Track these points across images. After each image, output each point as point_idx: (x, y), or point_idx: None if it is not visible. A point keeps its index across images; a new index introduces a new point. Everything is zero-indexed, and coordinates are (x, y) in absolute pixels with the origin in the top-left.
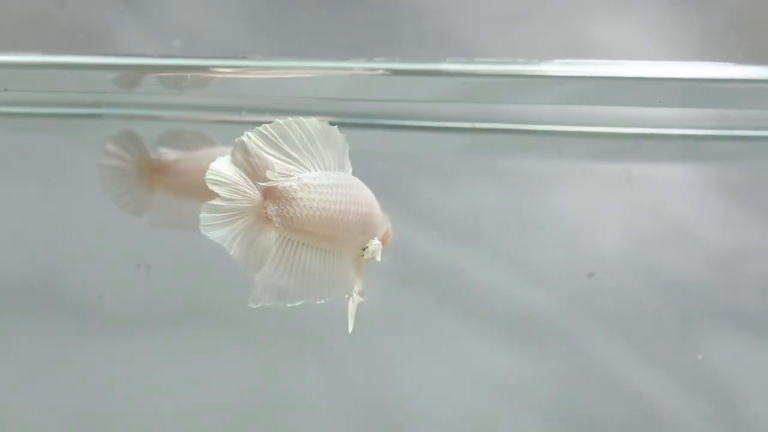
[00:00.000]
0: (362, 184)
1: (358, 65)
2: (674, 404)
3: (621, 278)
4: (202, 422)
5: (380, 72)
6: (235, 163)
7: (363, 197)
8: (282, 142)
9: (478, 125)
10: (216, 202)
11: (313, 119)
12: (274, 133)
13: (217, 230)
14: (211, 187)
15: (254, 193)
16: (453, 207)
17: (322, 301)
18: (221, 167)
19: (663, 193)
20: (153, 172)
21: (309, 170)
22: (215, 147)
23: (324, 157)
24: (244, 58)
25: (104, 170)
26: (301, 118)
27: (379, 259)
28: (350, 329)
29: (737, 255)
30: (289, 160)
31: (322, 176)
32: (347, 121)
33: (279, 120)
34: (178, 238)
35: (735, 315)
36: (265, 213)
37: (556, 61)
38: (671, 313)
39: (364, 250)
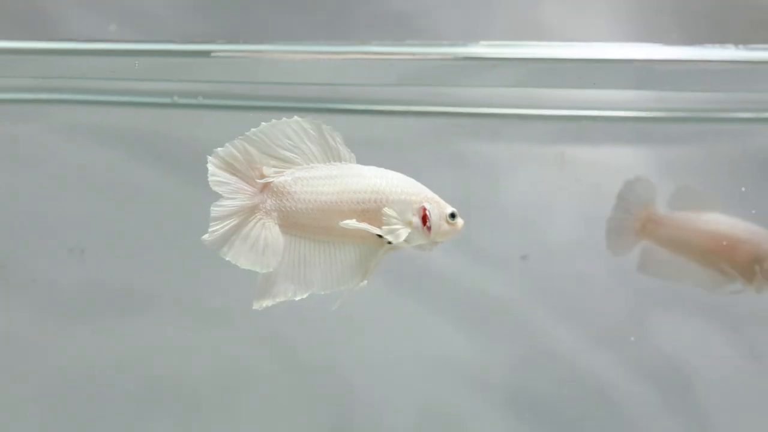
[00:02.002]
0: (368, 173)
1: (309, 48)
2: (625, 385)
3: (568, 260)
4: (147, 406)
5: (326, 55)
6: (232, 162)
7: (364, 185)
8: (271, 144)
9: (411, 108)
10: (220, 202)
11: (296, 118)
12: (263, 137)
13: (220, 224)
14: (213, 188)
15: (253, 190)
16: None
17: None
18: (216, 170)
19: (598, 175)
20: (649, 222)
21: (300, 164)
22: (717, 212)
23: (315, 151)
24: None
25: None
26: (285, 119)
27: (401, 240)
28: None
29: None
30: (280, 160)
31: (314, 168)
32: (299, 106)
33: (264, 123)
34: (112, 222)
35: (683, 296)
36: (265, 208)
37: (482, 42)
38: (620, 295)
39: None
